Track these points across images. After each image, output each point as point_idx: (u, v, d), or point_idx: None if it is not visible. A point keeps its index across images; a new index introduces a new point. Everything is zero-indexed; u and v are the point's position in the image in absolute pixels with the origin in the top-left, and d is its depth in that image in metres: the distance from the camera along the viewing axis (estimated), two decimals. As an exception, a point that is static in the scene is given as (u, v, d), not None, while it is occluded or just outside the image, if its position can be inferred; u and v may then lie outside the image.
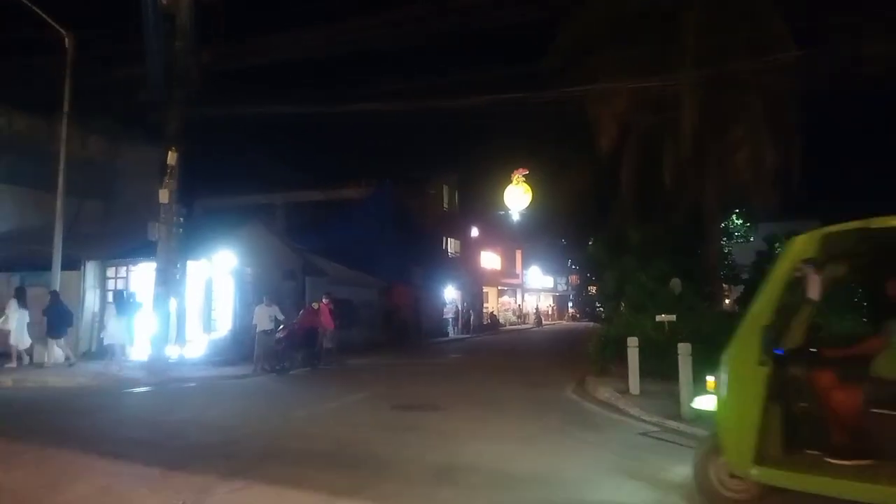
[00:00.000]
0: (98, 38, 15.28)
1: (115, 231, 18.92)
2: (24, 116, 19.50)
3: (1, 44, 16.12)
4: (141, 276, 15.86)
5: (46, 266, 14.59)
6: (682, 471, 6.01)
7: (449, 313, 31.95)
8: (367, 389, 11.57)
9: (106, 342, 14.03)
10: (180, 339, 14.43)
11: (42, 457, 6.29)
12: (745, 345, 4.44)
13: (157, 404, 10.32)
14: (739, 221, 37.49)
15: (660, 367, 10.39)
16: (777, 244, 25.48)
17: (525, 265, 48.54)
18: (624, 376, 10.34)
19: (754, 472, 4.29)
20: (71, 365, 13.65)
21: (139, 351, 14.47)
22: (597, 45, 14.56)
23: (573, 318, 54.42)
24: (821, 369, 4.44)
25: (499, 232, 38.24)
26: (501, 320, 41.13)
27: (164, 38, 12.74)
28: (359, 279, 23.58)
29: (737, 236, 37.35)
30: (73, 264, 15.55)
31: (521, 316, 47.16)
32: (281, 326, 14.80)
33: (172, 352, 13.94)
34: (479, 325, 35.18)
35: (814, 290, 4.40)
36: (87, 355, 15.53)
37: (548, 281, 53.61)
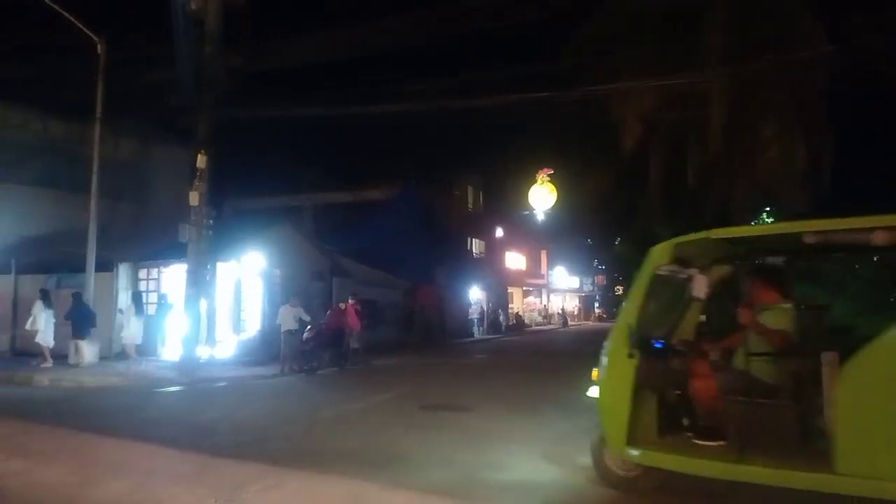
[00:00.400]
0: (130, 44, 15.62)
1: (146, 233, 19.30)
2: (59, 121, 20.00)
3: (36, 50, 16.55)
4: (172, 277, 16.14)
5: (81, 268, 14.94)
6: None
7: (474, 314, 31.93)
8: (394, 389, 11.61)
9: (124, 342, 14.19)
10: (210, 339, 14.64)
11: (78, 454, 6.44)
12: (618, 340, 4.97)
13: (189, 404, 10.49)
14: (769, 221, 36.85)
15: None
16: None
17: (550, 265, 48.27)
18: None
19: (628, 452, 4.79)
20: (82, 366, 13.82)
21: (170, 351, 14.73)
22: (621, 44, 14.43)
23: (600, 318, 54.00)
24: (689, 361, 4.97)
25: (524, 232, 38.08)
26: (527, 321, 40.97)
27: (194, 43, 12.94)
28: (384, 280, 23.70)
29: (767, 235, 36.64)
30: (106, 266, 15.89)
31: (547, 316, 46.92)
32: (308, 327, 14.94)
33: (203, 352, 14.15)
34: (505, 326, 35.10)
35: (700, 290, 5.03)
36: (120, 356, 15.85)
37: (573, 281, 53.25)
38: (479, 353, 21.85)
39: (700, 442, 4.68)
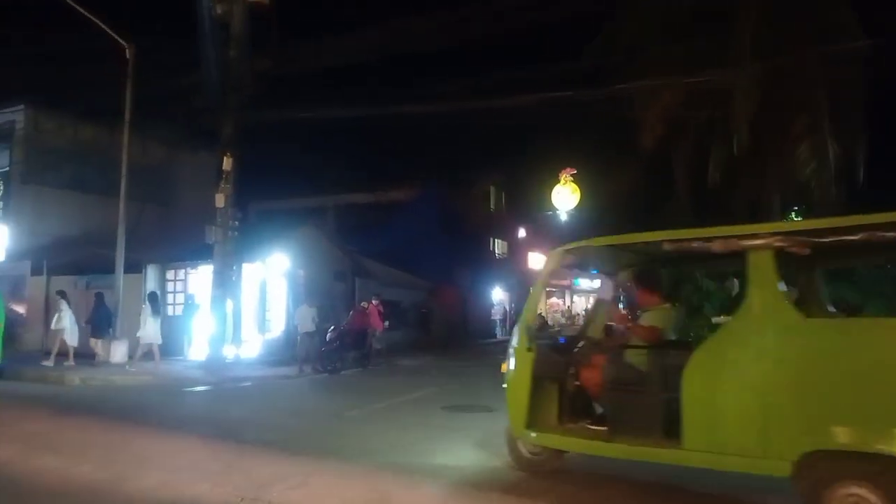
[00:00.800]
0: (158, 49, 15.89)
1: (174, 235, 19.62)
2: (89, 126, 20.44)
3: (67, 56, 16.92)
4: (199, 278, 16.37)
5: (110, 269, 15.21)
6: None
7: (496, 315, 31.81)
8: (416, 390, 11.63)
9: (142, 342, 14.25)
10: (236, 339, 14.81)
11: (109, 451, 6.54)
12: (521, 336, 5.63)
13: (215, 403, 10.62)
14: (799, 218, 36.13)
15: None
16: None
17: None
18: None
19: (527, 434, 5.44)
20: (101, 364, 14.03)
21: (197, 351, 14.94)
22: (647, 42, 14.26)
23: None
24: (584, 355, 5.67)
25: (546, 233, 37.87)
26: (550, 322, 40.73)
27: (220, 47, 13.11)
28: (407, 281, 23.76)
29: (796, 234, 35.96)
30: (134, 267, 16.17)
31: (571, 317, 46.56)
32: (332, 327, 15.05)
33: (229, 352, 14.31)
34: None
35: (605, 292, 5.77)
36: (147, 356, 16.11)
37: (597, 282, 52.72)
38: (501, 354, 21.68)
39: (592, 427, 5.32)
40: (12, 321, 15.46)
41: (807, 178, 14.25)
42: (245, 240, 14.92)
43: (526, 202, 34.25)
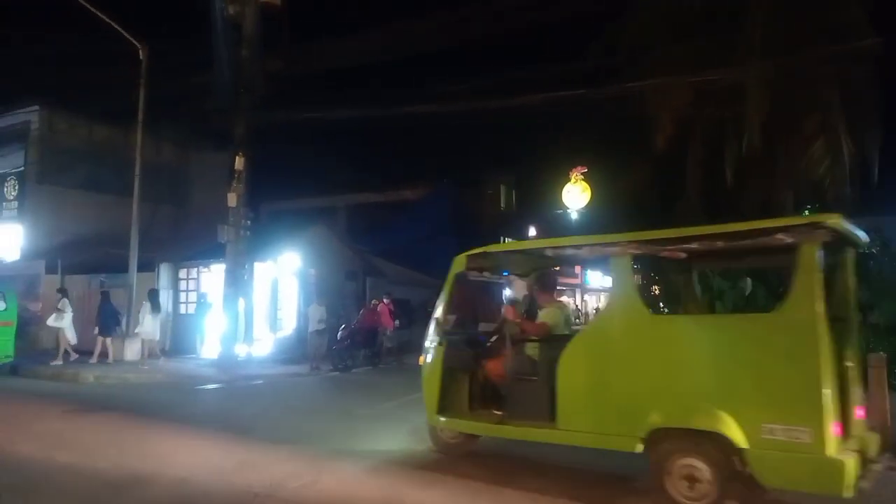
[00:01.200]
0: (170, 49, 16.00)
1: (186, 234, 19.77)
2: (103, 126, 20.63)
3: (81, 57, 17.08)
4: (211, 277, 16.48)
5: (124, 268, 15.35)
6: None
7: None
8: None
9: (142, 338, 14.37)
10: (248, 337, 14.90)
11: (124, 449, 6.62)
12: (435, 332, 6.29)
13: (228, 400, 10.71)
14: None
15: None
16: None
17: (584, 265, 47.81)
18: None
19: (438, 420, 6.11)
20: (111, 363, 14.10)
21: (210, 349, 15.05)
22: (656, 40, 14.19)
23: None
24: (491, 348, 6.23)
25: (557, 231, 37.79)
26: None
27: (232, 47, 13.19)
28: (417, 279, 23.79)
29: (809, 233, 35.63)
30: (148, 266, 16.32)
31: (580, 315, 46.44)
32: (343, 326, 15.11)
33: (241, 350, 14.41)
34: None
35: (518, 292, 6.05)
36: (161, 353, 16.25)
37: (608, 281, 52.52)
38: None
39: (496, 412, 5.87)
40: (27, 320, 15.67)
41: (820, 177, 14.14)
42: (257, 239, 15.01)
43: (536, 201, 34.18)
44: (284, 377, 13.54)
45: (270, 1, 13.49)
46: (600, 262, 5.54)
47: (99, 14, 14.35)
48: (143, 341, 14.28)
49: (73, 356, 13.81)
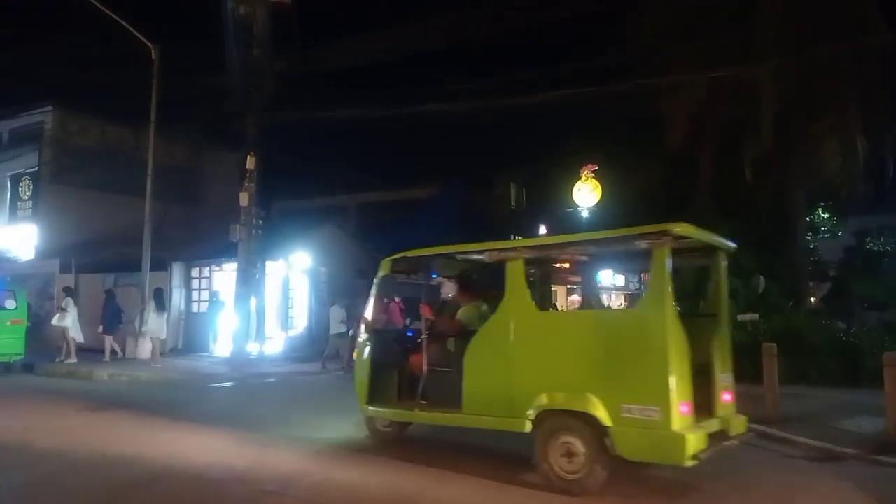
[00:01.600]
0: (181, 50, 16.10)
1: (199, 233, 19.89)
2: (115, 126, 20.80)
3: (93, 59, 17.22)
4: (223, 276, 16.58)
5: (137, 267, 15.47)
6: (770, 475, 5.77)
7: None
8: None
9: (148, 336, 14.47)
10: (260, 336, 14.98)
11: (137, 447, 6.67)
12: (364, 330, 7.01)
13: (240, 398, 10.76)
14: (826, 215, 35.41)
15: (742, 369, 9.98)
16: (868, 239, 23.90)
17: (595, 263, 47.58)
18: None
19: (367, 410, 6.68)
20: (116, 360, 14.25)
21: (222, 347, 15.14)
22: (669, 37, 14.10)
23: (646, 317, 52.84)
24: (417, 343, 6.60)
25: (567, 229, 37.65)
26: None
27: (243, 47, 13.24)
28: (427, 278, 23.80)
29: (823, 231, 35.28)
30: (160, 265, 16.44)
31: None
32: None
33: (253, 348, 14.48)
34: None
35: (446, 293, 6.74)
36: (174, 352, 16.39)
37: (619, 279, 52.30)
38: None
39: (421, 402, 6.29)
40: (42, 318, 15.83)
41: (834, 175, 14.01)
42: (268, 238, 15.07)
43: (547, 199, 34.07)
44: (296, 375, 13.60)
45: (281, 0, 13.53)
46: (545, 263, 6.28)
47: (112, 15, 14.46)
48: (154, 339, 14.38)
49: (72, 358, 13.86)
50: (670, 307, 4.91)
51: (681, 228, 4.96)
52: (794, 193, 14.40)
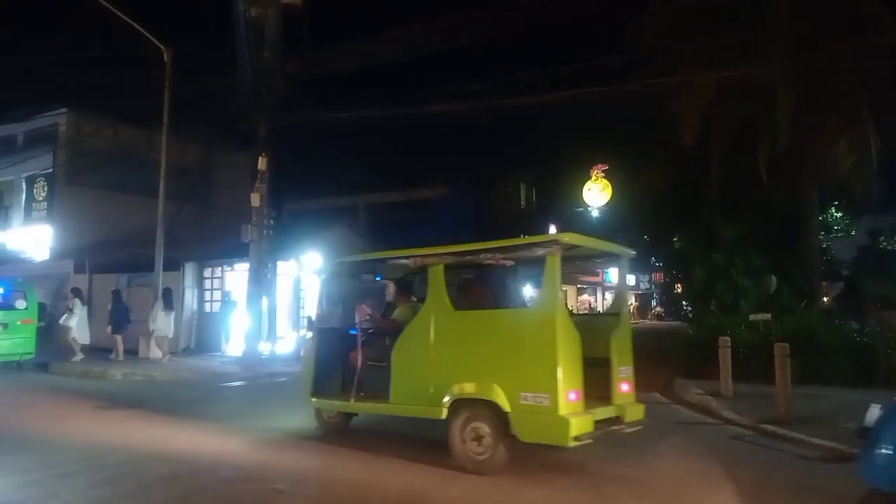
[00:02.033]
0: (193, 52, 16.22)
1: (211, 234, 20.02)
2: (128, 128, 20.99)
3: (107, 61, 17.39)
4: (235, 276, 16.69)
5: (149, 267, 15.60)
6: (783, 475, 5.76)
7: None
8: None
9: (156, 335, 14.57)
10: (271, 335, 15.05)
11: (151, 446, 6.76)
12: (309, 327, 7.60)
13: (252, 398, 10.84)
14: (839, 214, 35.13)
15: (753, 369, 9.96)
16: (882, 238, 23.70)
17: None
18: (713, 378, 9.96)
19: (311, 401, 7.25)
20: (121, 360, 14.32)
21: (234, 347, 15.25)
22: (678, 36, 14.05)
23: (658, 317, 52.66)
24: (357, 340, 6.97)
25: (577, 229, 37.55)
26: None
27: (254, 49, 13.32)
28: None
29: (836, 230, 35.00)
30: (173, 265, 16.56)
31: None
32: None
33: (264, 348, 14.56)
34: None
35: (389, 294, 7.32)
36: (187, 351, 16.53)
37: (629, 279, 52.14)
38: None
39: (361, 394, 6.81)
40: (56, 318, 16.01)
41: (847, 174, 13.90)
42: (280, 238, 15.15)
43: (556, 199, 34.01)
44: (307, 375, 13.66)
45: (292, 2, 13.60)
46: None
47: (124, 17, 14.60)
48: (157, 338, 14.52)
49: (78, 357, 13.99)
50: (560, 307, 5.58)
51: (569, 238, 5.69)
52: (807, 193, 14.30)
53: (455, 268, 6.68)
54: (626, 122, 20.21)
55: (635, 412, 6.09)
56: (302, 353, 7.66)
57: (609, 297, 50.29)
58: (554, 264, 5.54)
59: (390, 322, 7.06)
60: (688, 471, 5.91)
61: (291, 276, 16.79)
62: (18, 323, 13.29)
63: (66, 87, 19.77)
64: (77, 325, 14.21)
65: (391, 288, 8.21)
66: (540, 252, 5.67)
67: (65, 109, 20.63)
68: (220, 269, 17.60)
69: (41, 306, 15.19)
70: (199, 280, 17.71)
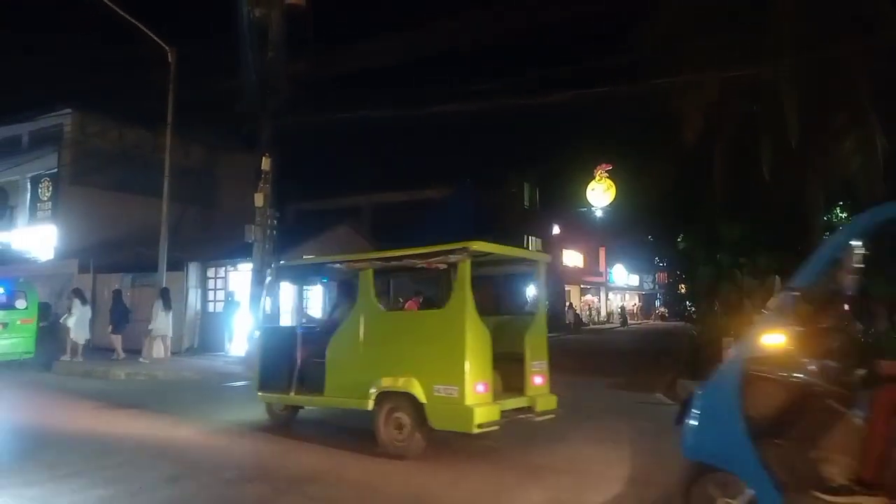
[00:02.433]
0: (198, 52, 16.26)
1: (214, 234, 20.05)
2: (133, 129, 21.03)
3: (111, 62, 17.45)
4: (239, 276, 16.71)
5: (153, 267, 15.63)
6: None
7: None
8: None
9: (154, 335, 14.53)
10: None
11: (152, 447, 6.76)
12: (257, 326, 8.16)
13: (255, 398, 10.79)
14: (844, 215, 35.00)
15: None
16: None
17: (609, 263, 47.37)
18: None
19: (259, 395, 7.81)
20: (120, 359, 14.33)
21: (237, 347, 15.26)
22: (683, 36, 14.00)
23: (661, 317, 52.57)
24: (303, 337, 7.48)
25: (581, 229, 37.54)
26: (584, 319, 40.40)
27: (258, 50, 13.34)
28: (440, 278, 23.85)
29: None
30: (177, 266, 16.59)
31: (606, 314, 46.04)
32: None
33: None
34: (574, 324, 34.62)
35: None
36: (190, 351, 16.55)
37: (633, 279, 52.08)
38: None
39: (303, 388, 7.25)
40: (59, 317, 16.06)
41: (853, 174, 13.82)
42: (283, 239, 15.16)
43: (561, 199, 34.01)
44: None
45: (295, 3, 13.61)
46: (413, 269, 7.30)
47: (129, 18, 14.63)
48: (156, 338, 14.53)
49: (67, 356, 14.03)
50: (470, 308, 6.07)
51: (477, 245, 6.22)
52: (811, 193, 14.23)
53: (384, 272, 7.44)
54: (629, 123, 20.16)
55: (547, 402, 6.76)
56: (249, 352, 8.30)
57: (613, 297, 50.26)
58: (464, 269, 6.10)
59: (330, 321, 7.66)
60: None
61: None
62: (18, 322, 13.39)
63: (70, 87, 19.88)
64: (75, 324, 14.22)
65: (333, 290, 8.84)
66: (453, 258, 6.20)
67: (69, 110, 20.69)
68: (223, 269, 17.63)
69: (45, 306, 15.23)
70: (203, 280, 17.74)
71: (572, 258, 39.83)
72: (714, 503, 3.67)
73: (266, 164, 13.75)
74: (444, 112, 15.36)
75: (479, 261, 6.83)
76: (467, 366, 5.86)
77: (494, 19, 14.45)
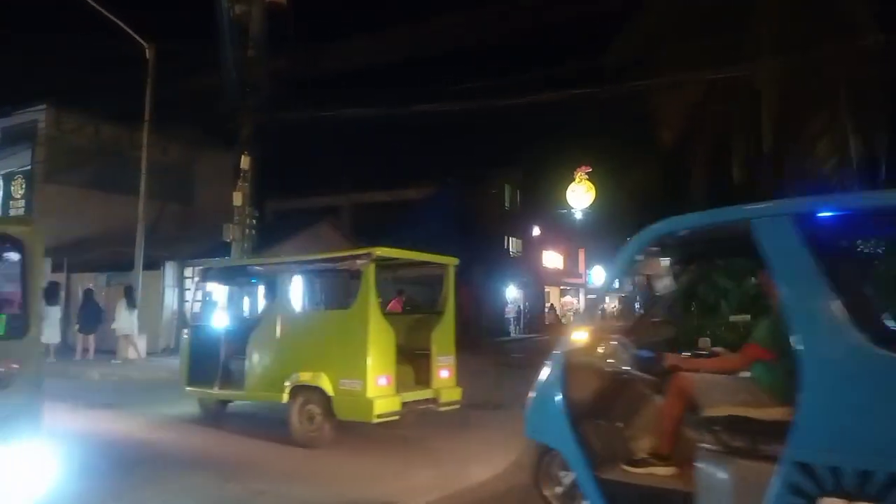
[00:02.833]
0: (176, 49, 16.06)
1: (193, 233, 19.81)
2: (109, 125, 20.71)
3: (88, 57, 17.15)
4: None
5: (130, 266, 15.43)
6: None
7: (510, 313, 31.79)
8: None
9: (117, 334, 14.42)
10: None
11: (129, 448, 6.67)
12: (185, 323, 8.83)
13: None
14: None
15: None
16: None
17: (588, 264, 47.66)
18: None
19: (185, 390, 8.32)
20: (83, 359, 14.20)
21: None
22: (663, 38, 14.16)
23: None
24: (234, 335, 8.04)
25: (561, 231, 37.74)
26: (564, 321, 40.59)
27: (238, 47, 13.23)
28: (421, 278, 23.80)
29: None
30: (154, 265, 16.39)
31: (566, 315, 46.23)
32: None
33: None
34: (542, 325, 34.85)
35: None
36: (167, 351, 16.33)
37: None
38: (516, 353, 21.78)
39: (221, 382, 7.80)
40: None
41: (828, 175, 14.09)
42: (263, 238, 15.02)
43: (541, 200, 34.11)
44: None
45: (276, 0, 13.50)
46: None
47: (106, 13, 14.42)
48: (117, 336, 14.36)
49: (51, 358, 13.67)
50: (374, 308, 6.62)
51: (380, 251, 6.76)
52: (787, 194, 14.45)
53: (308, 274, 8.10)
54: (610, 124, 20.34)
55: (451, 394, 7.35)
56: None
57: (588, 298, 50.59)
58: (369, 273, 6.65)
59: (253, 320, 8.28)
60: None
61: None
62: None
63: (46, 83, 19.48)
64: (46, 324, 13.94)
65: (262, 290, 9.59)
66: (359, 263, 6.75)
67: (44, 106, 20.29)
68: (201, 268, 17.41)
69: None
70: (180, 279, 17.53)
71: (552, 259, 40.04)
72: (557, 479, 4.14)
73: (245, 162, 13.62)
74: (425, 112, 15.34)
75: (390, 264, 7.55)
76: (370, 361, 6.37)
77: (475, 20, 14.46)
